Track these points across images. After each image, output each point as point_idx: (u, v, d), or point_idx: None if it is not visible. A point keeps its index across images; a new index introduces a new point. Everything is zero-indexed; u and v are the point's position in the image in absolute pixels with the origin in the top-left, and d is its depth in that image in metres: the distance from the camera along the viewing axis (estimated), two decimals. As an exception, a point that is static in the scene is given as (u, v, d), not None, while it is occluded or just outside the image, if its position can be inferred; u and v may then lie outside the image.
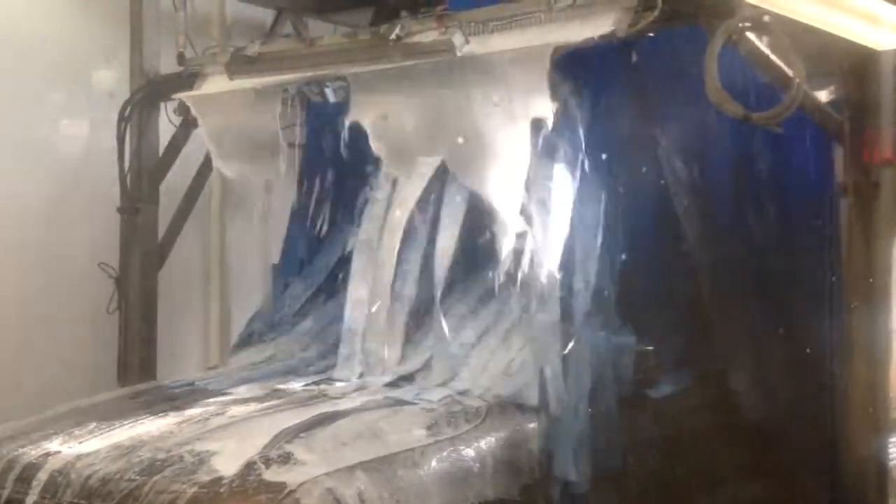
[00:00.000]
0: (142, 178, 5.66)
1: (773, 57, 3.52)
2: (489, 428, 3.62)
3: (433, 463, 3.33)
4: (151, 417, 3.71)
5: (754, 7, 3.44)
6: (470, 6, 4.20)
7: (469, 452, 3.46)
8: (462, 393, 3.91)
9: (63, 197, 5.74)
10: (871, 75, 3.37)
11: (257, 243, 6.68)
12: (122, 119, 5.57)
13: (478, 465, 3.45)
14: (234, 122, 5.02)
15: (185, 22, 5.35)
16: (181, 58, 5.31)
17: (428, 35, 4.15)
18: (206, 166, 5.92)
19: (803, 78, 3.44)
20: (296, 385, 4.21)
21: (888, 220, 3.41)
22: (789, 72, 3.46)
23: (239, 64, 4.70)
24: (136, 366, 5.61)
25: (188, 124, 5.47)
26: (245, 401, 3.89)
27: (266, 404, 3.81)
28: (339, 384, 4.17)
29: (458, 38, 4.02)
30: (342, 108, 4.59)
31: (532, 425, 3.72)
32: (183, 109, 5.41)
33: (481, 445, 3.51)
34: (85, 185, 5.81)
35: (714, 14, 3.58)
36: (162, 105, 5.61)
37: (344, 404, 3.73)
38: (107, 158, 5.64)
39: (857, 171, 3.39)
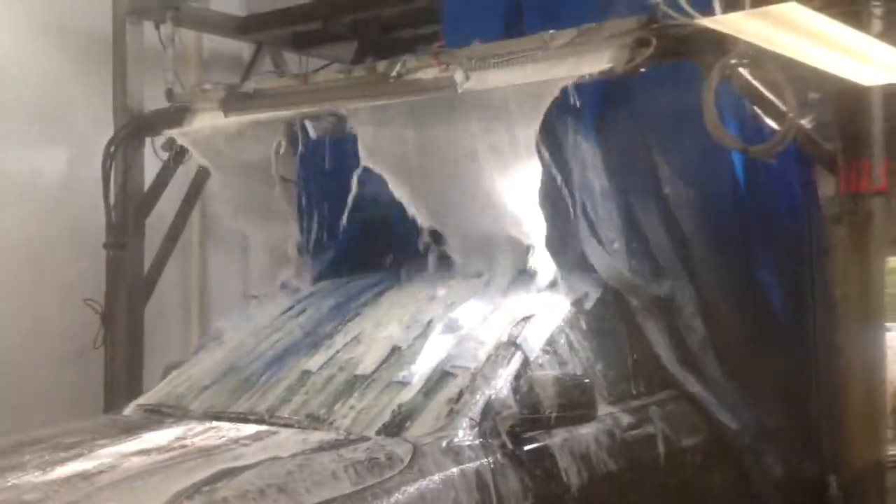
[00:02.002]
0: (128, 213, 5.69)
1: (765, 92, 3.71)
2: (417, 474, 3.19)
3: None
4: (37, 472, 3.28)
5: (748, 44, 3.60)
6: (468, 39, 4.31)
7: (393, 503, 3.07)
8: (389, 434, 3.49)
9: (48, 233, 5.74)
10: (862, 109, 3.56)
11: (237, 276, 6.77)
12: (108, 156, 5.60)
13: None
14: (226, 157, 5.05)
15: (174, 59, 5.39)
16: (170, 94, 5.34)
17: (428, 72, 4.25)
18: (188, 201, 5.98)
19: (796, 112, 3.62)
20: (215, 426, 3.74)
21: (879, 246, 3.60)
22: (782, 106, 3.65)
23: (235, 101, 4.74)
24: (122, 400, 5.59)
25: (176, 159, 5.51)
26: (147, 451, 3.43)
27: (167, 455, 3.36)
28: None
29: (459, 75, 4.12)
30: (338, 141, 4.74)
31: (462, 468, 3.31)
32: (170, 145, 5.46)
33: (407, 495, 3.11)
34: (69, 222, 5.81)
35: (708, 51, 3.75)
36: (147, 141, 5.65)
37: (254, 454, 3.29)
38: (91, 194, 5.66)
39: (850, 201, 3.57)
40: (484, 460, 3.39)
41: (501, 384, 3.65)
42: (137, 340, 5.77)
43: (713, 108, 3.68)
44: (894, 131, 3.72)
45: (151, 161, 5.73)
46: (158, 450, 3.42)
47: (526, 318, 3.97)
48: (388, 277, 4.73)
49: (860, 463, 3.60)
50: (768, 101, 3.71)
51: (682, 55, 3.91)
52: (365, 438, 3.42)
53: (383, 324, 4.17)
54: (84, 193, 5.77)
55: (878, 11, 3.62)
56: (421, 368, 3.78)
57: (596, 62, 3.98)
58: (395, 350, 3.95)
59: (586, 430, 3.72)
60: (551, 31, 4.09)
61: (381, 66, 4.41)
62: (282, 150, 4.82)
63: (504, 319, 3.98)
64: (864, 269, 3.57)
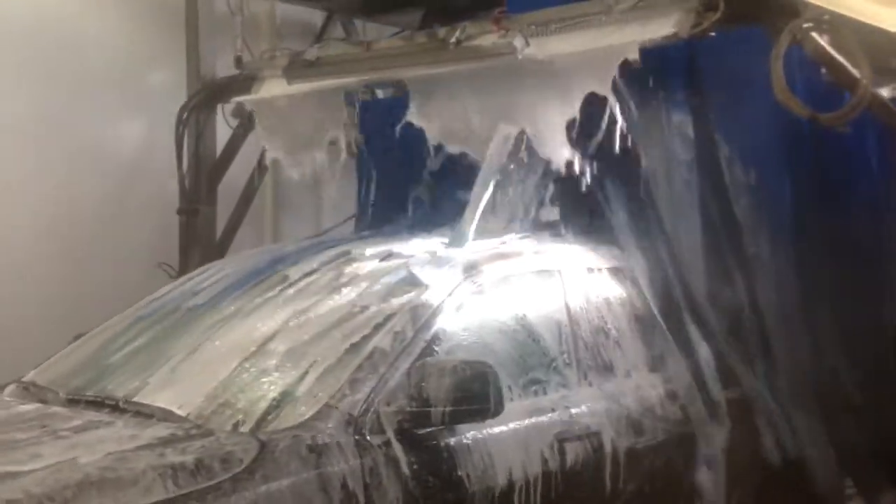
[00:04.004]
0: (200, 179, 5.76)
1: (838, 57, 3.52)
2: (257, 480, 2.68)
3: None
4: None
5: (819, 7, 3.43)
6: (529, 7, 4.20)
7: None
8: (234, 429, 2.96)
9: (123, 198, 5.88)
10: (940, 75, 3.37)
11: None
12: (180, 122, 5.68)
13: None
14: (290, 123, 5.07)
15: (242, 26, 5.41)
16: (238, 61, 5.37)
17: (487, 38, 4.17)
18: (261, 166, 6.02)
19: (870, 78, 3.43)
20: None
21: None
22: (855, 72, 3.46)
23: (297, 68, 4.74)
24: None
25: (245, 126, 5.55)
26: None
27: None
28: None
29: (518, 41, 4.02)
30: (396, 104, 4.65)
31: (322, 472, 2.79)
32: (240, 112, 5.51)
33: (242, 501, 2.61)
34: (144, 187, 5.94)
35: (778, 14, 3.58)
36: (218, 107, 5.71)
37: (58, 452, 2.75)
38: (166, 160, 5.76)
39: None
40: (355, 463, 2.86)
41: (391, 372, 3.09)
42: (209, 305, 5.86)
43: (782, 73, 3.51)
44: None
45: (225, 127, 5.81)
46: None
47: (431, 292, 3.41)
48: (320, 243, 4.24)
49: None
50: (841, 66, 3.52)
51: (752, 19, 3.74)
52: (208, 434, 2.88)
53: (272, 299, 3.63)
54: (159, 159, 5.88)
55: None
56: (300, 352, 3.24)
57: (661, 26, 3.84)
58: (281, 330, 3.39)
59: (503, 428, 3.21)
60: (617, -6, 3.97)
61: (442, 32, 4.34)
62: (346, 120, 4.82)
63: (406, 292, 3.43)
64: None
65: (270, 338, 3.35)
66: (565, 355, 3.61)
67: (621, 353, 3.81)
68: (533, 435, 3.31)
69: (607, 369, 3.73)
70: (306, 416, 2.94)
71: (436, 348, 3.24)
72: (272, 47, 6.01)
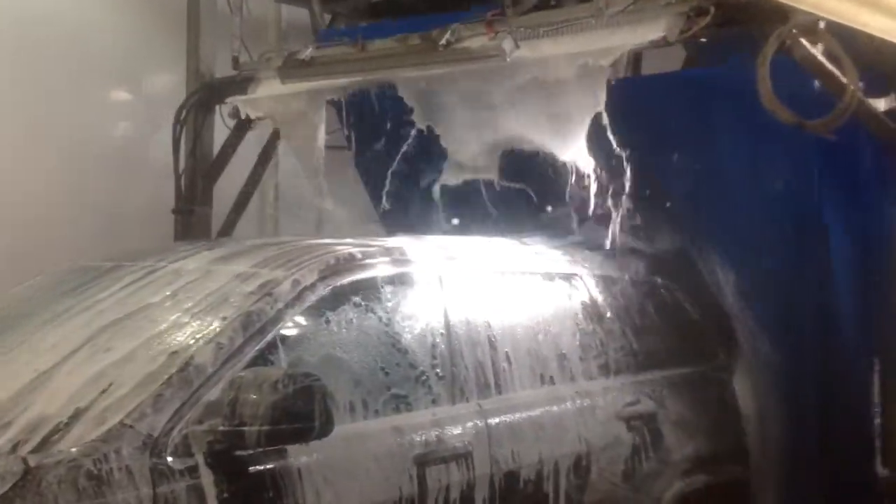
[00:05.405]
0: (196, 179, 5.74)
1: (826, 63, 3.47)
2: None
3: None
4: None
5: (808, 13, 3.38)
6: None
7: None
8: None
9: (119, 197, 5.87)
10: (928, 83, 3.30)
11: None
12: (178, 121, 5.66)
13: None
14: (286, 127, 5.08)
15: (240, 26, 5.41)
16: (236, 62, 5.37)
17: (477, 40, 4.15)
18: (258, 168, 6.01)
19: (857, 85, 3.38)
20: None
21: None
22: (843, 78, 3.41)
23: (291, 68, 4.74)
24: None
25: (242, 127, 5.54)
26: None
27: None
28: None
29: (507, 44, 4.01)
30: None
31: (101, 503, 2.41)
32: (236, 113, 5.50)
33: None
34: (141, 186, 5.93)
35: (767, 19, 3.54)
36: (217, 108, 5.70)
37: None
38: (163, 160, 5.75)
39: (913, 181, 3.32)
40: (147, 492, 2.47)
41: (207, 387, 2.69)
42: (203, 306, 5.84)
43: (768, 80, 3.46)
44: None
45: (224, 128, 5.80)
46: None
47: (270, 297, 2.98)
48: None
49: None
50: (830, 73, 3.47)
51: (742, 24, 3.71)
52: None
53: (100, 302, 3.24)
54: (158, 159, 5.88)
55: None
56: (109, 363, 2.82)
57: (651, 31, 3.82)
58: (94, 337, 2.98)
59: (345, 451, 2.85)
60: (606, -2, 3.95)
61: (434, 33, 4.32)
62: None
63: (243, 297, 3.00)
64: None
65: (80, 346, 2.92)
66: (438, 369, 3.23)
67: (513, 367, 3.43)
68: (385, 458, 2.95)
69: (493, 385, 3.36)
70: (92, 437, 2.51)
71: (271, 360, 2.84)
72: (275, 49, 6.03)
